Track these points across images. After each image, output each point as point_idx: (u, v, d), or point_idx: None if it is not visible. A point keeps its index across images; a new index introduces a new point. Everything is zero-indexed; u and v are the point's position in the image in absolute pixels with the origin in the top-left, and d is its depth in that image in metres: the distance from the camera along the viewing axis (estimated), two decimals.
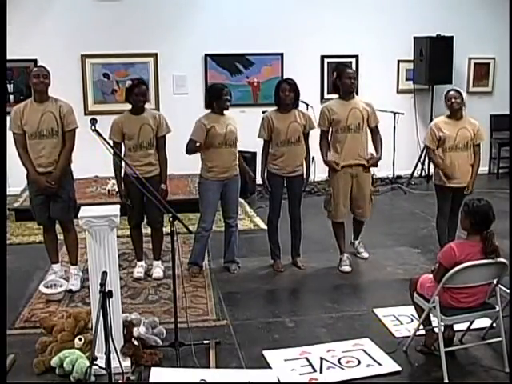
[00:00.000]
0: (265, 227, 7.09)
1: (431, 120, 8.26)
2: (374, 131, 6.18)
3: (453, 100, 5.83)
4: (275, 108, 6.02)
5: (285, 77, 8.54)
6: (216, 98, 5.81)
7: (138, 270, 6.00)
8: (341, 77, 5.93)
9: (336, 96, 6.11)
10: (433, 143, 5.95)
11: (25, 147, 5.45)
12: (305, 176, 6.11)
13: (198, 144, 5.77)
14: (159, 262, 6.09)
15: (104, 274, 3.48)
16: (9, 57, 8.53)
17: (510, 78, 9.25)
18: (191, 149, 5.83)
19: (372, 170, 6.23)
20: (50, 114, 5.40)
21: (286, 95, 5.86)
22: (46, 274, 5.90)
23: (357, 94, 6.25)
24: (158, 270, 5.98)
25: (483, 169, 10.05)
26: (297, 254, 6.27)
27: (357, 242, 6.48)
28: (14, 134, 5.44)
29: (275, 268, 6.18)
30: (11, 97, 8.86)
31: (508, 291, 4.43)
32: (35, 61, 8.72)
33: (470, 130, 5.89)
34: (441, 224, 6.16)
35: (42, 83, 5.36)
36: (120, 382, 3.88)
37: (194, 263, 6.09)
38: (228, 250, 6.17)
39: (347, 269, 6.13)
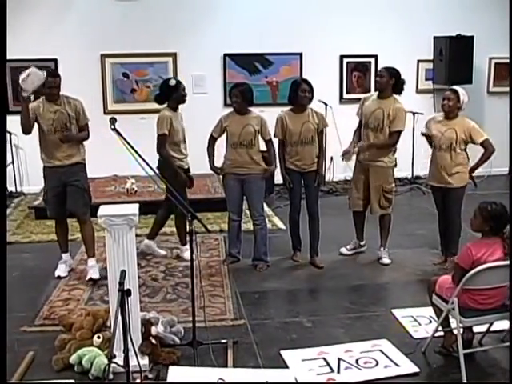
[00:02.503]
0: (283, 227, 7.12)
1: None
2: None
3: (445, 102, 5.87)
4: (289, 108, 6.09)
5: (304, 76, 8.57)
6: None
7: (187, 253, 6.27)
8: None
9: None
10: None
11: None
12: (319, 171, 6.19)
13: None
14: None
15: (123, 272, 3.49)
16: (29, 56, 8.66)
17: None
18: (208, 142, 6.13)
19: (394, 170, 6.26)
20: (63, 111, 5.72)
21: (305, 96, 5.95)
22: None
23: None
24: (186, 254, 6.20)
25: (503, 169, 9.98)
26: (315, 253, 6.28)
27: (382, 249, 6.41)
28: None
29: (294, 259, 6.32)
30: (31, 96, 8.89)
31: None
32: (55, 60, 8.79)
33: (457, 132, 5.83)
34: (438, 225, 6.27)
35: (55, 89, 5.67)
36: (138, 380, 3.90)
37: (228, 253, 6.32)
38: (255, 248, 6.23)
39: (344, 251, 6.49)
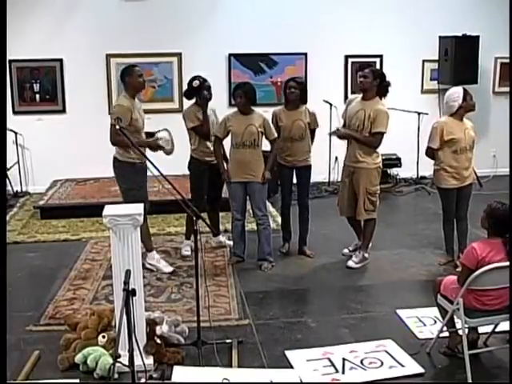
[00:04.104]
0: None
1: None
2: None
3: (474, 101, 5.83)
4: (284, 106, 6.32)
5: (308, 77, 8.65)
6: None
7: (186, 249, 6.46)
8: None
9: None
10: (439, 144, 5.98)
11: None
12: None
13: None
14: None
15: (127, 272, 3.50)
16: (35, 56, 8.69)
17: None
18: (214, 143, 6.16)
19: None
20: (142, 110, 5.91)
21: (291, 92, 6.15)
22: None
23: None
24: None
25: (508, 170, 9.95)
26: (304, 244, 6.49)
27: (357, 252, 6.27)
28: (122, 128, 5.36)
29: (281, 250, 6.52)
30: (37, 96, 8.94)
31: None
32: (61, 60, 8.81)
33: (473, 132, 5.94)
34: (446, 226, 6.21)
35: (145, 82, 5.90)
36: (143, 380, 3.90)
37: (234, 253, 6.34)
38: (259, 248, 6.24)
39: (346, 252, 6.48)
